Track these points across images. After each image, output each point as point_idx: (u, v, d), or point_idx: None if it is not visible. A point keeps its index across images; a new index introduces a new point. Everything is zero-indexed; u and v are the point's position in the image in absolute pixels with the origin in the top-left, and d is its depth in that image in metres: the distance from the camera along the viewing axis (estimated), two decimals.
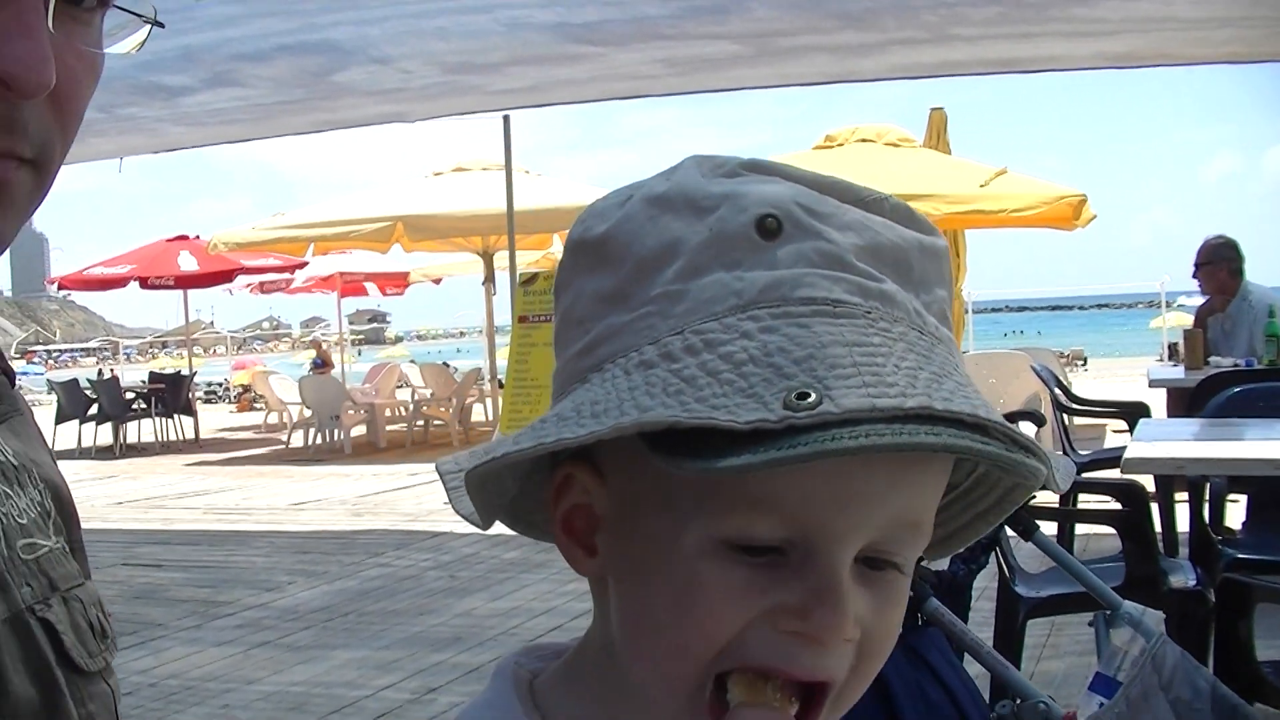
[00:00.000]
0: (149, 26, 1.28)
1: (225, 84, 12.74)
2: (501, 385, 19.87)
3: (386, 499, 18.39)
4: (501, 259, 22.33)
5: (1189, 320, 43.51)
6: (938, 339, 1.11)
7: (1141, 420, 8.57)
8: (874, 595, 1.12)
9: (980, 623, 5.11)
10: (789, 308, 1.06)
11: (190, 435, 29.36)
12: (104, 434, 27.63)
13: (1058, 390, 11.78)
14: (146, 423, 28.85)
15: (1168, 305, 50.04)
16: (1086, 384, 33.30)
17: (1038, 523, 4.69)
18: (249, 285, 32.41)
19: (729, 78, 14.86)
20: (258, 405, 37.52)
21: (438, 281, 34.04)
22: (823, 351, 1.03)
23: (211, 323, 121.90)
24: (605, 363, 1.13)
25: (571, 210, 19.52)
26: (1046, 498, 10.29)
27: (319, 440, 26.13)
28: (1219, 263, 12.67)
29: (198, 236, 28.56)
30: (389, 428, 27.24)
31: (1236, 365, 11.43)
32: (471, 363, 45.07)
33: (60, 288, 33.76)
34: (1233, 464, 6.36)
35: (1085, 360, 52.01)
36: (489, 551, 13.37)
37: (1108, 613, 4.22)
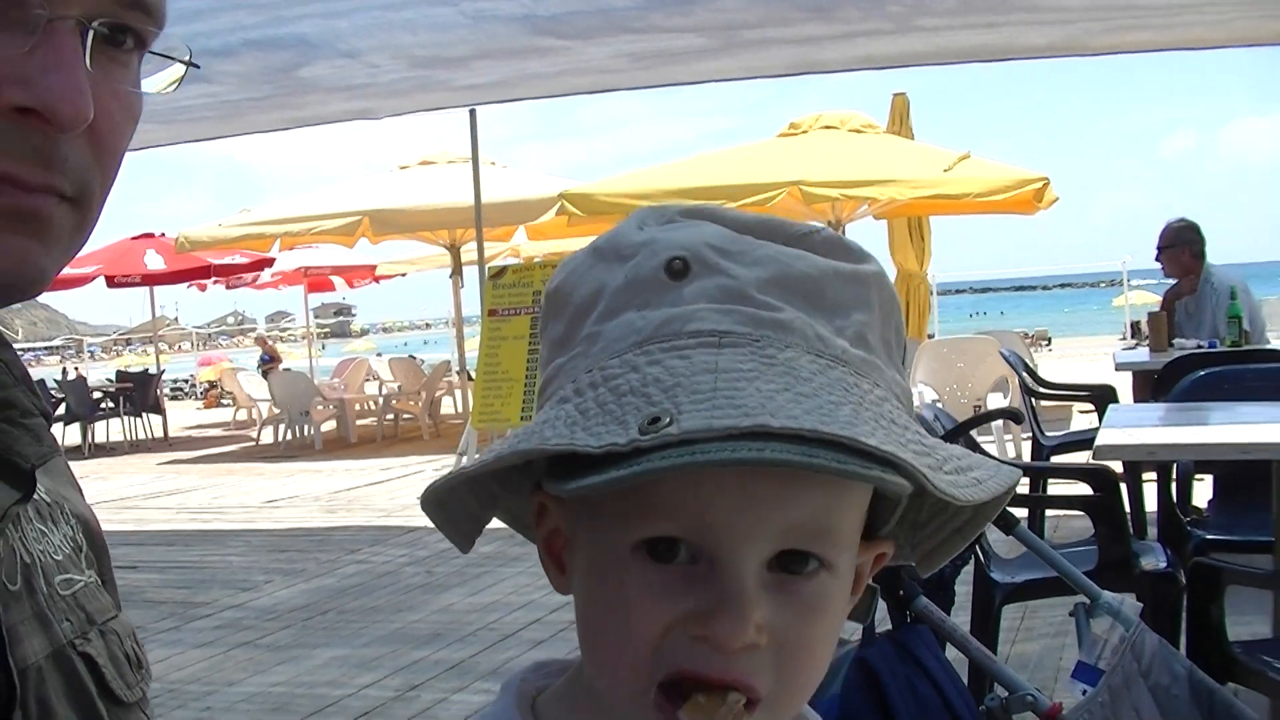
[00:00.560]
0: (184, 67, 1.33)
1: (191, 80, 12.60)
2: (471, 378, 19.86)
3: (360, 494, 18.35)
4: (468, 251, 22.31)
5: (1151, 299, 43.54)
6: (840, 361, 1.17)
7: (1111, 406, 8.63)
8: (792, 602, 1.18)
9: (956, 607, 5.16)
10: (678, 341, 1.15)
11: (159, 434, 29.24)
12: (72, 434, 27.43)
13: (1025, 374, 11.83)
14: (115, 422, 28.71)
15: (1129, 284, 50.07)
16: (1051, 363, 33.37)
17: (1016, 515, 4.76)
18: (214, 281, 32.27)
19: (694, 71, 14.85)
20: (225, 401, 37.37)
21: (404, 275, 33.95)
22: (690, 380, 1.11)
23: (176, 319, 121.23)
24: (545, 402, 1.23)
25: (537, 202, 19.64)
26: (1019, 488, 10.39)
27: (289, 436, 26.04)
28: (1181, 246, 12.70)
29: (164, 234, 28.43)
30: (359, 422, 27.16)
31: (1200, 347, 11.50)
32: (438, 355, 44.92)
33: None
34: (1202, 449, 6.42)
35: (1050, 340, 52.10)
36: None
37: (1087, 602, 4.28)
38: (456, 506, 1.31)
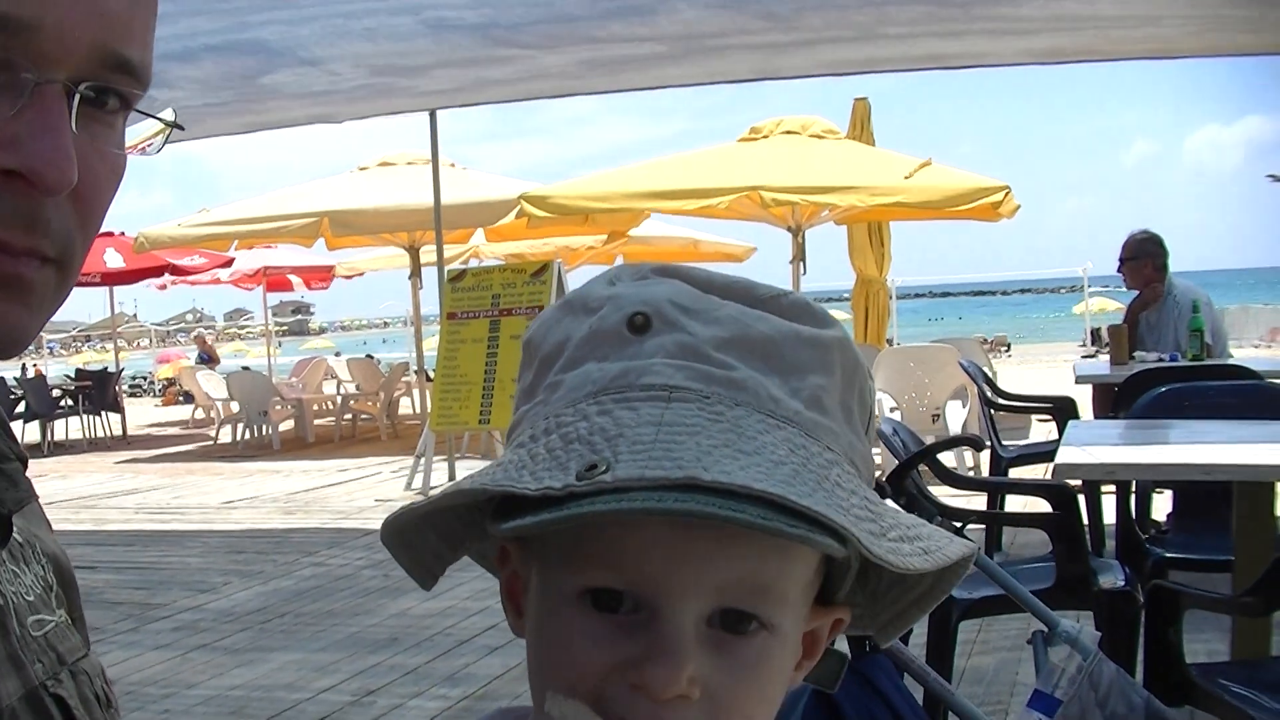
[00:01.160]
0: (166, 128, 1.33)
1: (153, 85, 12.61)
2: (429, 379, 19.86)
3: (317, 496, 18.29)
4: (427, 253, 22.29)
5: (1112, 306, 43.58)
6: (790, 422, 1.18)
7: (1070, 422, 8.62)
8: (728, 658, 1.18)
9: None
10: (630, 393, 1.16)
11: (118, 432, 29.19)
12: (31, 432, 27.37)
13: (984, 385, 11.86)
14: (74, 420, 28.65)
15: (1090, 291, 50.26)
16: (1010, 370, 33.44)
17: (973, 539, 4.77)
18: (174, 281, 32.19)
19: (653, 76, 14.88)
20: (183, 399, 37.26)
21: (362, 275, 33.90)
22: (634, 431, 1.12)
23: (135, 315, 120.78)
24: (507, 447, 1.25)
25: (496, 204, 19.62)
26: (977, 505, 10.28)
27: (247, 436, 25.98)
28: (1143, 258, 12.72)
29: (123, 233, 28.29)
30: (317, 422, 27.14)
31: (1162, 360, 11.53)
32: (396, 354, 44.76)
33: None
34: (1162, 469, 6.42)
35: (1009, 346, 52.30)
36: None
37: (1045, 630, 4.29)
38: (421, 545, 1.33)
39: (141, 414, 35.82)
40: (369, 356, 35.44)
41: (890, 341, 26.10)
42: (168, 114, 1.31)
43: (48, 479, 22.28)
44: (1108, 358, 13.44)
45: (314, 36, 11.80)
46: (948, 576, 1.26)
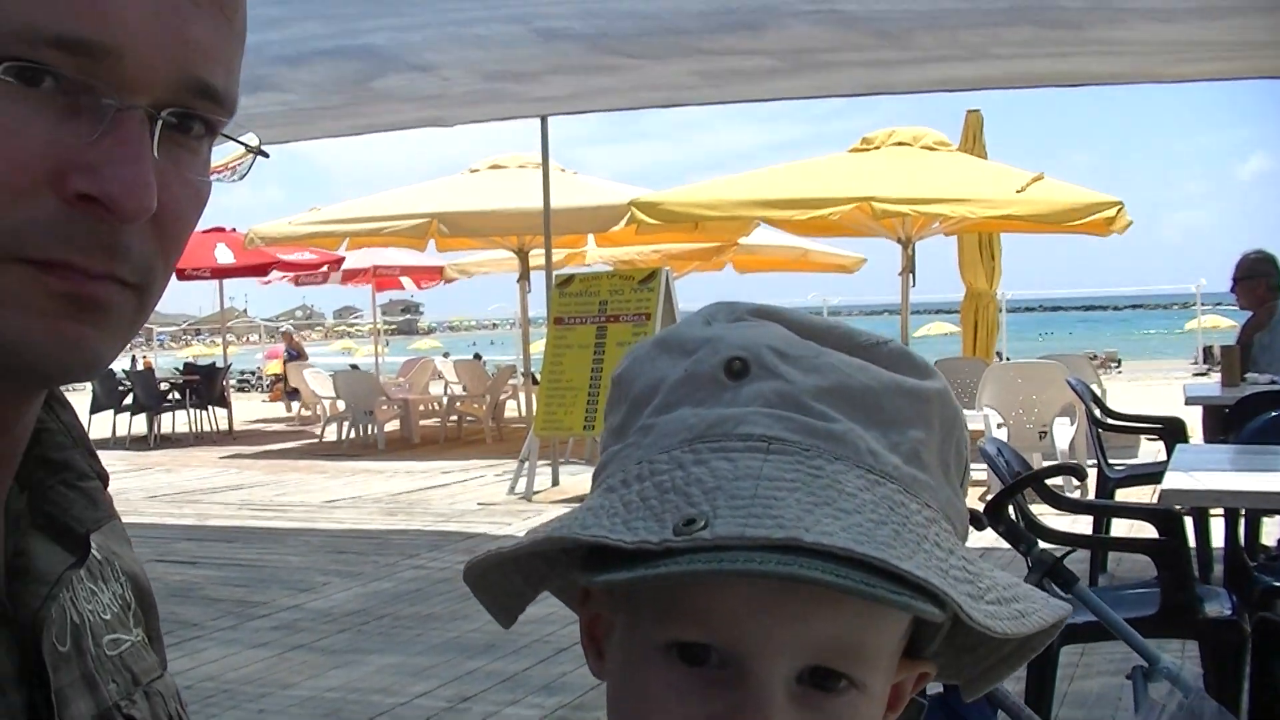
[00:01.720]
0: (251, 154, 1.31)
1: (264, 88, 12.70)
2: (536, 381, 19.89)
3: (420, 497, 18.39)
4: (536, 256, 22.35)
5: (1224, 324, 43.22)
6: (889, 478, 1.14)
7: (1179, 446, 8.52)
8: (817, 716, 1.16)
9: None
10: (727, 443, 1.13)
11: (224, 427, 29.49)
12: (138, 424, 27.69)
13: (1092, 404, 11.74)
14: (180, 413, 28.95)
15: (1202, 308, 49.81)
16: (1120, 387, 33.20)
17: (1076, 575, 4.70)
18: (284, 276, 32.45)
19: (763, 89, 14.84)
20: (289, 396, 37.54)
21: (470, 276, 34.02)
22: (732, 484, 1.08)
23: (245, 310, 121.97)
24: (596, 488, 1.21)
25: (606, 209, 19.66)
26: (1082, 526, 10.17)
27: (353, 435, 26.17)
28: (1257, 278, 12.58)
29: (234, 229, 28.57)
30: (422, 423, 27.26)
31: (1274, 382, 11.37)
32: (504, 354, 44.92)
33: None
34: (1272, 498, 6.34)
35: (1119, 363, 51.86)
36: None
37: (1145, 666, 4.22)
38: (502, 583, 1.31)
39: (248, 409, 36.11)
40: (477, 356, 35.55)
41: (999, 356, 25.96)
42: (250, 138, 1.28)
43: (153, 472, 22.53)
44: (1219, 378, 13.28)
45: (425, 43, 11.84)
46: (1037, 638, 1.22)
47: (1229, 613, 6.24)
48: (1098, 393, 13.60)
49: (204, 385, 28.82)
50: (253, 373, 52.35)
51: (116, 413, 27.38)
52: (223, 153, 1.28)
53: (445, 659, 9.75)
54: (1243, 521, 7.92)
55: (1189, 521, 7.14)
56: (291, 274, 31.89)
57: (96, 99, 1.08)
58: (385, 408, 26.32)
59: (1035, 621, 1.16)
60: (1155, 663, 4.18)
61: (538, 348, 22.98)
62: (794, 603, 1.11)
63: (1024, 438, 15.99)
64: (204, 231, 28.92)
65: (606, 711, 1.24)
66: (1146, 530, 6.83)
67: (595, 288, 17.26)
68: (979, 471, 11.06)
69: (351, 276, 33.60)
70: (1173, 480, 6.22)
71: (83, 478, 1.37)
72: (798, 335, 1.21)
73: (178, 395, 28.98)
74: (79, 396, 26.53)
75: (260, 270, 29.79)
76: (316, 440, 27.26)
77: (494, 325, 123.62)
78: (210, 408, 29.18)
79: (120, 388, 27.78)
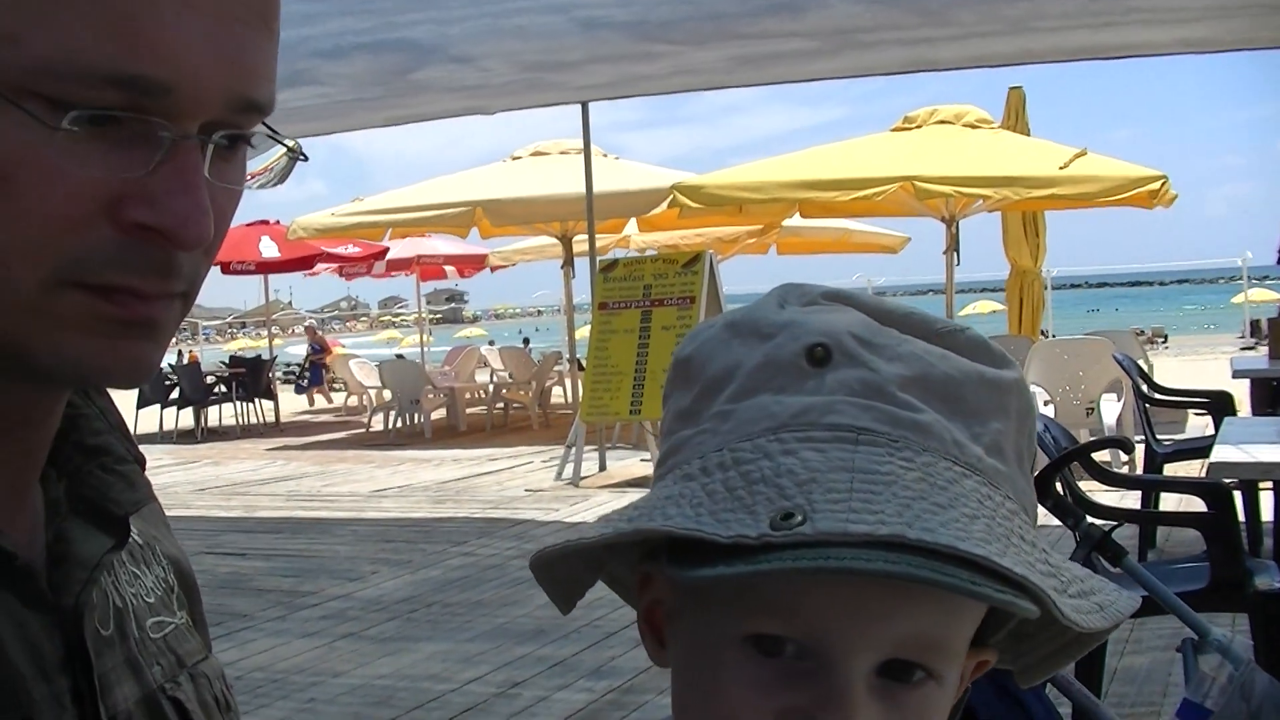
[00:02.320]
0: (289, 158, 1.31)
1: (304, 82, 12.72)
2: (581, 367, 19.91)
3: (468, 485, 18.44)
4: (580, 242, 22.35)
5: (1272, 297, 43.16)
6: (974, 469, 1.13)
7: (1227, 420, 8.48)
8: (895, 708, 1.15)
9: None
10: (814, 432, 1.11)
11: (270, 419, 29.60)
12: (185, 418, 27.80)
13: (1139, 379, 11.69)
14: (227, 405, 29.07)
15: (1249, 281, 49.61)
16: (1167, 362, 33.09)
17: (1125, 548, 4.68)
18: (328, 268, 32.53)
19: (804, 70, 14.83)
20: (337, 386, 37.62)
21: (514, 264, 34.05)
22: (825, 476, 1.07)
23: (290, 303, 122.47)
24: (666, 473, 1.19)
25: (648, 194, 19.66)
26: (1131, 501, 10.17)
27: (399, 424, 26.25)
28: None
29: (278, 221, 28.60)
30: (468, 411, 27.31)
31: None
32: (549, 341, 44.94)
33: None
34: None
35: (1166, 338, 51.70)
36: None
37: (1195, 639, 4.19)
38: (561, 568, 1.28)
39: (294, 401, 36.24)
40: (525, 342, 35.57)
41: (1045, 333, 25.87)
42: (288, 140, 1.29)
43: (200, 465, 22.64)
44: (1266, 351, 13.22)
45: (464, 35, 11.86)
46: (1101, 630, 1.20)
47: (1279, 586, 6.21)
48: (1144, 368, 13.52)
49: (250, 378, 28.93)
50: (299, 364, 52.49)
51: (163, 407, 27.46)
52: (261, 157, 1.29)
53: (495, 645, 9.76)
54: None
55: (1238, 495, 7.10)
56: (336, 265, 31.96)
57: (152, 130, 1.09)
58: (431, 396, 26.40)
59: (1113, 614, 1.16)
60: (1206, 635, 4.15)
61: (583, 333, 22.98)
62: (881, 598, 1.10)
63: (1071, 414, 15.94)
64: (247, 225, 29.01)
65: (672, 700, 1.23)
66: (1195, 505, 6.79)
67: (639, 272, 17.25)
68: None
69: (395, 267, 33.65)
70: (1221, 454, 6.20)
71: (120, 461, 1.37)
72: (875, 321, 1.19)
73: (224, 388, 29.12)
74: (125, 392, 26.64)
75: (305, 263, 29.89)
76: (363, 430, 27.31)
77: (539, 312, 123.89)
78: (256, 400, 29.28)
79: (166, 382, 27.85)
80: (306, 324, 55.46)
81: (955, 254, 18.47)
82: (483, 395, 28.27)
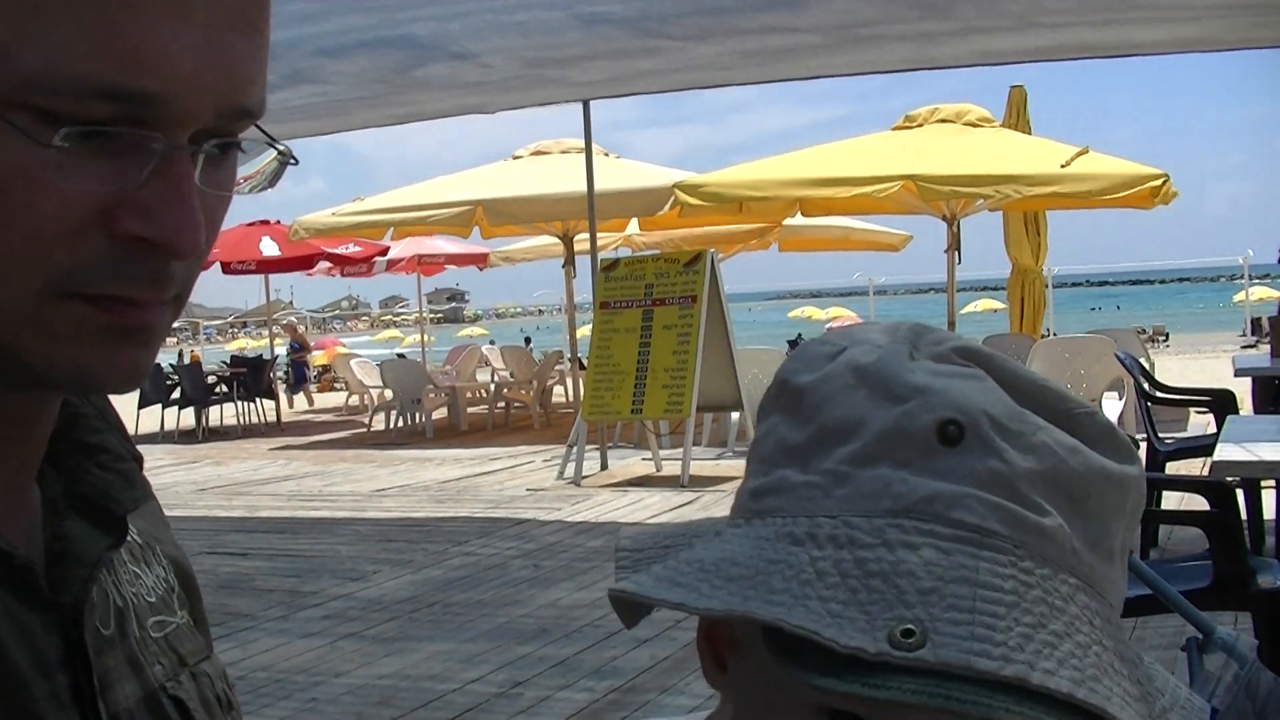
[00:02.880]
0: (280, 162, 1.31)
1: (305, 81, 12.74)
2: (582, 367, 19.92)
3: (469, 485, 18.42)
4: (581, 241, 22.36)
5: (1273, 295, 43.19)
6: (1087, 581, 1.10)
7: (1229, 418, 8.47)
8: None
9: None
10: (937, 526, 1.06)
11: (272, 418, 29.60)
12: (186, 418, 27.81)
13: (1141, 378, 11.69)
14: (228, 405, 29.10)
15: (1250, 280, 49.63)
16: (1169, 361, 33.07)
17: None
18: (329, 268, 32.54)
19: (806, 66, 14.84)
20: (338, 386, 37.61)
21: (514, 264, 34.05)
22: (947, 588, 1.03)
23: (291, 302, 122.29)
24: (766, 514, 1.14)
25: (650, 193, 19.66)
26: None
27: (400, 424, 26.23)
28: None
29: (278, 221, 28.63)
30: (470, 410, 27.31)
31: None
32: (551, 340, 44.94)
33: None
34: None
35: (1167, 336, 51.75)
36: (572, 540, 13.42)
37: (1199, 637, 4.18)
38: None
39: (296, 401, 36.21)
40: (528, 341, 35.55)
41: (1047, 332, 25.87)
42: (280, 144, 1.28)
43: (201, 465, 22.65)
44: (1268, 349, 13.22)
45: (465, 32, 11.87)
46: None
47: None
48: (1146, 367, 13.52)
49: (251, 377, 28.92)
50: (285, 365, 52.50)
51: (164, 407, 27.48)
52: (252, 162, 1.28)
53: (496, 644, 9.75)
54: None
55: (1240, 494, 7.09)
56: (336, 265, 31.97)
57: (144, 141, 1.09)
58: (433, 396, 26.42)
59: None
60: (1210, 633, 4.13)
61: (584, 333, 23.01)
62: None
63: None
64: (248, 225, 29.04)
65: None
66: (1198, 503, 6.79)
67: (641, 271, 17.27)
68: None
69: (396, 266, 33.65)
70: (1224, 452, 6.20)
71: (119, 459, 1.37)
72: (1010, 394, 1.14)
73: (225, 388, 29.13)
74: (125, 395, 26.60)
75: (305, 262, 29.89)
76: (364, 430, 27.31)
77: (540, 311, 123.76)
78: (258, 400, 29.28)
79: (168, 382, 27.89)
80: (285, 321, 54.92)
81: (956, 253, 18.50)
82: (484, 395, 28.28)
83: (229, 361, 32.30)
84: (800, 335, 40.42)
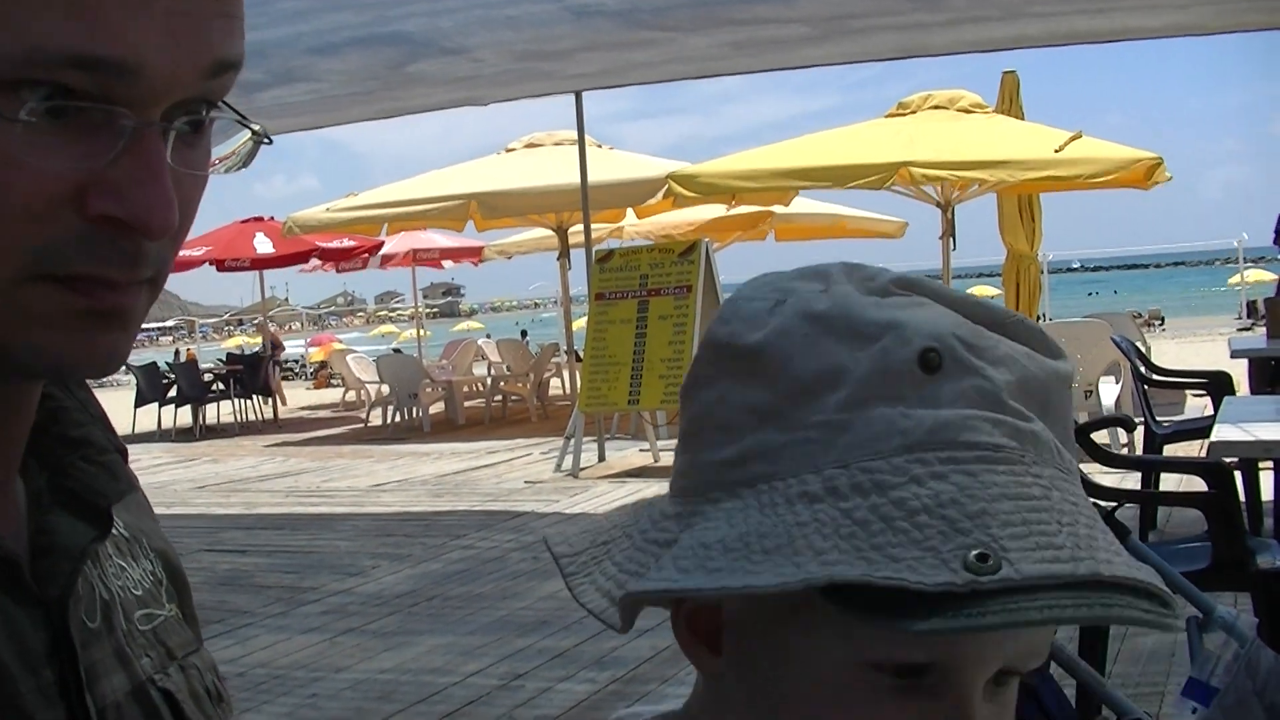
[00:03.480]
0: (254, 141, 1.29)
1: (297, 79, 12.75)
2: (579, 359, 19.92)
3: (467, 478, 18.41)
4: (575, 233, 22.35)
5: (1268, 278, 43.26)
6: (1071, 474, 1.10)
7: (1226, 399, 8.47)
8: (997, 709, 1.14)
9: None
10: (954, 452, 1.05)
11: (269, 415, 29.61)
12: (183, 415, 27.77)
13: (1137, 361, 11.68)
14: (225, 403, 29.06)
15: (1245, 263, 49.71)
16: (1165, 345, 33.09)
17: (1128, 528, 4.66)
18: (324, 264, 32.51)
19: (798, 56, 14.86)
20: (335, 382, 37.61)
21: (509, 257, 34.02)
22: (993, 506, 1.02)
23: (286, 299, 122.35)
24: (759, 481, 1.11)
25: (643, 183, 19.65)
26: (1131, 483, 10.15)
27: (397, 418, 26.21)
28: None
29: (272, 218, 28.62)
30: (467, 404, 27.31)
31: None
32: (547, 333, 44.94)
33: None
34: None
35: (1163, 320, 51.80)
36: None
37: (1200, 616, 4.18)
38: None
39: (293, 397, 36.22)
40: (524, 334, 35.54)
41: (1042, 317, 25.87)
42: (254, 124, 1.27)
43: (199, 462, 22.64)
44: (1264, 331, 13.22)
45: (456, 27, 11.88)
46: None
47: None
48: (1142, 350, 13.51)
49: (248, 374, 28.91)
50: (296, 361, 52.50)
51: (161, 405, 27.43)
52: (227, 143, 1.27)
53: (496, 637, 9.76)
54: None
55: (1238, 475, 7.09)
56: (331, 261, 31.96)
57: (113, 118, 1.07)
58: (429, 390, 26.38)
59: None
60: (1210, 612, 4.13)
61: (580, 324, 22.99)
62: None
63: None
64: (242, 222, 29.06)
65: (742, 715, 1.20)
66: (1196, 485, 6.79)
67: (635, 262, 17.26)
68: None
69: (391, 260, 33.63)
70: (1221, 433, 6.20)
71: (102, 452, 1.36)
72: (963, 318, 1.15)
73: (221, 385, 29.10)
74: (123, 391, 26.61)
75: (300, 258, 29.86)
76: (362, 425, 27.29)
77: (536, 304, 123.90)
78: (254, 397, 29.26)
79: (164, 380, 27.88)
80: (257, 321, 54.50)
81: (951, 239, 18.47)
82: (481, 388, 28.27)
83: (225, 359, 32.27)
84: None
